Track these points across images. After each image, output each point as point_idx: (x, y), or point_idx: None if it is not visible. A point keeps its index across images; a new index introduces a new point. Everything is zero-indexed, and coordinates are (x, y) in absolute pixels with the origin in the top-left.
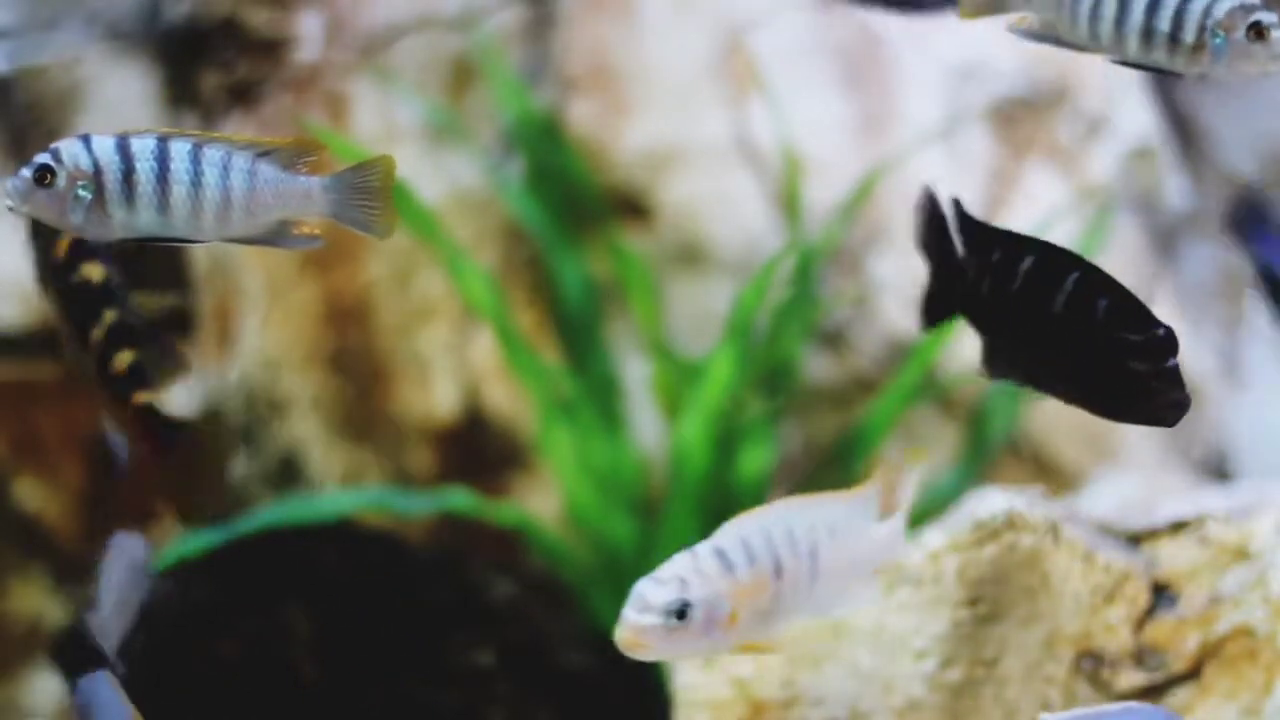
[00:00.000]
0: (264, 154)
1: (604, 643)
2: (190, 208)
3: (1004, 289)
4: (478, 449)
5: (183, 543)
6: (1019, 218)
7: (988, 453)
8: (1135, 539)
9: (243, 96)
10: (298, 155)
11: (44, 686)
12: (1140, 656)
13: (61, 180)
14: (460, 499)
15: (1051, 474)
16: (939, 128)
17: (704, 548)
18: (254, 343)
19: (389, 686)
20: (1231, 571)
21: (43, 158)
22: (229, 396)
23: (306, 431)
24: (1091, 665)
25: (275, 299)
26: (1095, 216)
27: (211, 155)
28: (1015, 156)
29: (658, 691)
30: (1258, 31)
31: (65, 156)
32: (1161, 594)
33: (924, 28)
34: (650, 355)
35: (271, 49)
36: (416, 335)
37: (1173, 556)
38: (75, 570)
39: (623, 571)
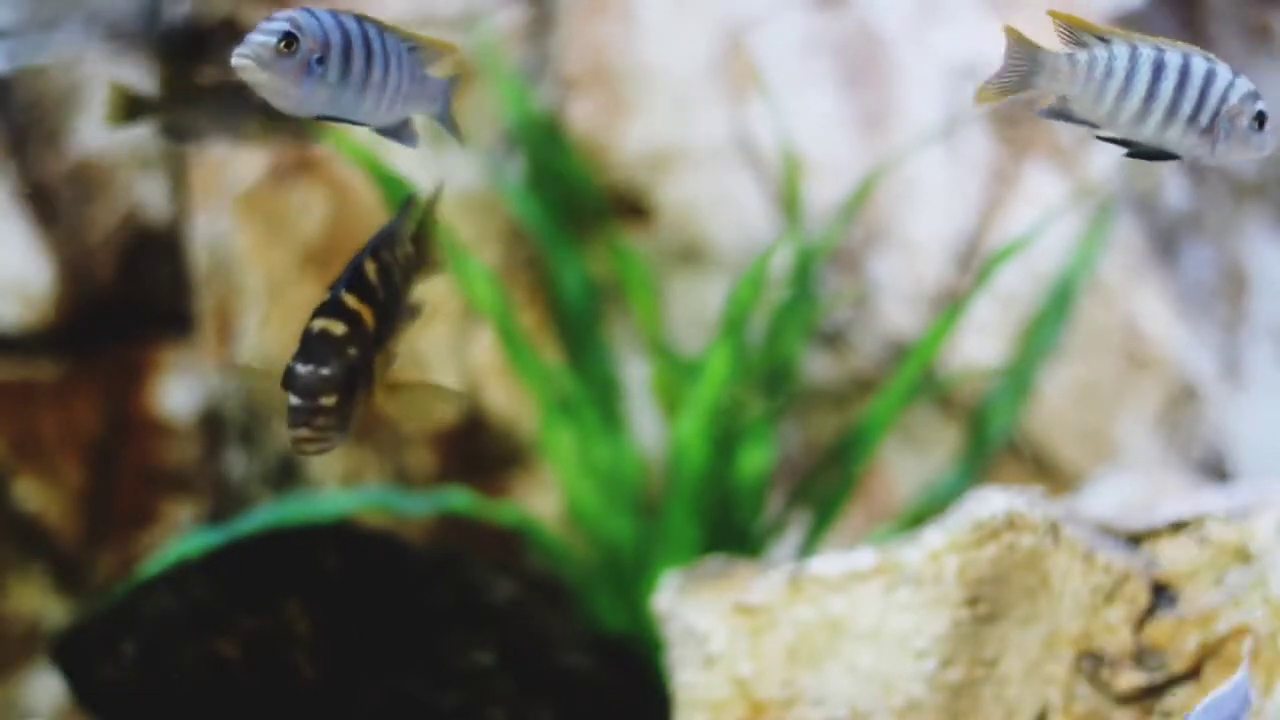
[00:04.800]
0: (412, 48)
1: (604, 643)
2: (378, 92)
3: None
4: (478, 449)
5: (183, 543)
6: (1019, 218)
7: (988, 453)
8: (1135, 539)
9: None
10: (433, 54)
11: (44, 686)
12: (1140, 656)
13: (303, 49)
14: (460, 499)
15: (1051, 474)
16: (939, 128)
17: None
18: (254, 342)
19: (389, 686)
20: (1231, 571)
21: (280, 25)
22: (229, 396)
23: None
24: (1091, 665)
25: (275, 299)
26: (1095, 216)
27: (390, 42)
28: (1015, 156)
29: (658, 691)
30: (1260, 122)
31: (304, 25)
32: (1161, 594)
33: (924, 27)
34: (650, 355)
35: None
36: (416, 335)
37: (1173, 556)
38: (75, 571)
39: (623, 571)
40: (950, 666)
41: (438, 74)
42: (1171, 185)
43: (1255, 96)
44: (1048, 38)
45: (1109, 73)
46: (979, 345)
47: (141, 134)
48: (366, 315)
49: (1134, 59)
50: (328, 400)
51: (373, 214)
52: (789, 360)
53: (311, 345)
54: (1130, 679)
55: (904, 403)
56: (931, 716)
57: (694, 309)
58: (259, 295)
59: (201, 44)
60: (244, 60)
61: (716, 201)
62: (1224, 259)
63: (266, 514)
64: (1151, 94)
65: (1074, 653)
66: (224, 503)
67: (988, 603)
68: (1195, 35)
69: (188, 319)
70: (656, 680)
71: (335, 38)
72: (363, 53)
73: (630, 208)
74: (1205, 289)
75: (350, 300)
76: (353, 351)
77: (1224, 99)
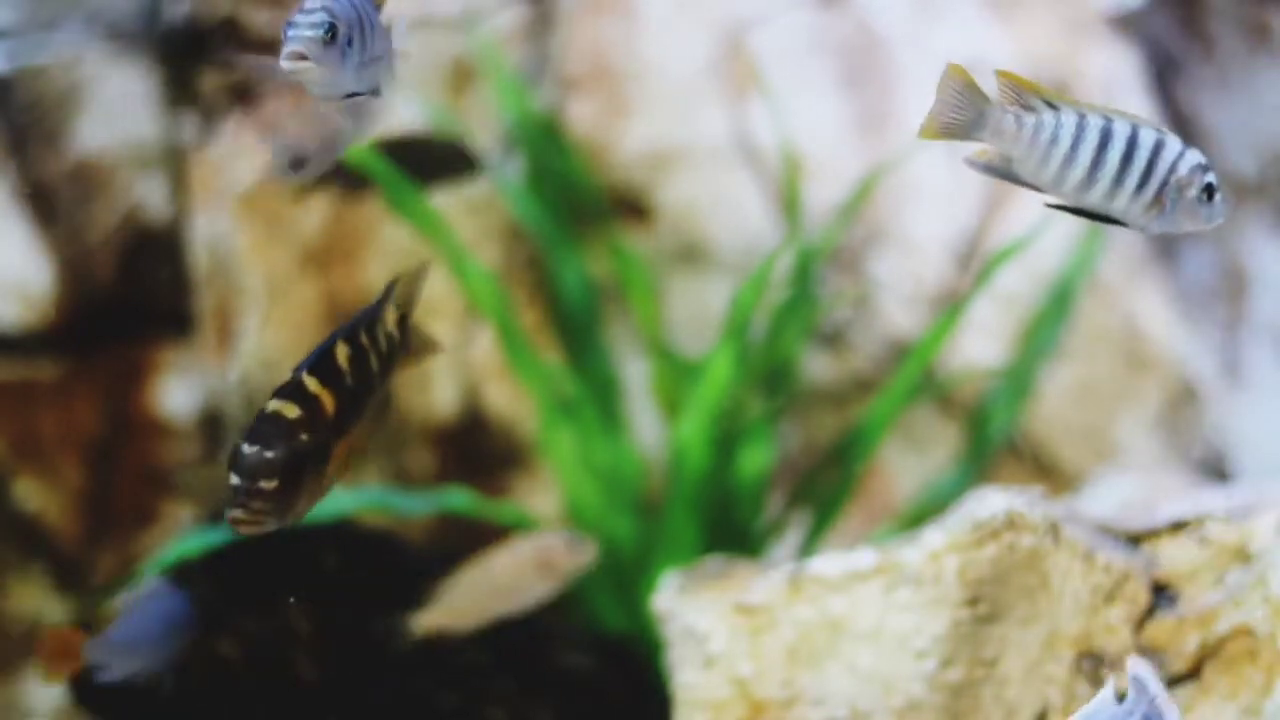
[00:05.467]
0: (377, 5)
1: (604, 643)
2: (375, 59)
3: None
4: (478, 449)
5: (183, 543)
6: (1019, 218)
7: (988, 453)
8: (1135, 539)
9: (243, 96)
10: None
11: (44, 686)
12: (1140, 656)
13: (341, 35)
14: (460, 499)
15: (1051, 474)
16: None
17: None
18: (254, 343)
19: (389, 686)
20: (1231, 571)
21: (320, 16)
22: (229, 396)
23: None
24: (1091, 665)
25: (275, 299)
26: None
27: (371, 6)
28: None
29: (658, 691)
30: (1209, 194)
31: (338, 11)
32: (1161, 594)
33: (924, 27)
34: (650, 355)
35: (271, 49)
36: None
37: (1173, 556)
38: (75, 571)
39: (623, 571)
40: (950, 666)
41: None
42: None
43: (1205, 169)
44: (1047, 38)
45: (1054, 139)
46: (979, 345)
47: (142, 134)
48: (327, 400)
49: (1081, 127)
50: (267, 484)
51: (372, 214)
52: (789, 360)
53: (260, 426)
54: None
55: (904, 403)
56: (931, 716)
57: (694, 309)
58: (259, 295)
59: (201, 44)
60: (299, 61)
61: (716, 201)
62: (1224, 259)
63: None
64: (1097, 163)
65: (1074, 653)
66: (224, 503)
67: (988, 603)
68: (1195, 35)
69: (188, 319)
70: (656, 680)
71: (353, 16)
72: (368, 25)
73: (630, 208)
74: (1205, 289)
75: (311, 383)
76: (304, 437)
77: (1172, 170)
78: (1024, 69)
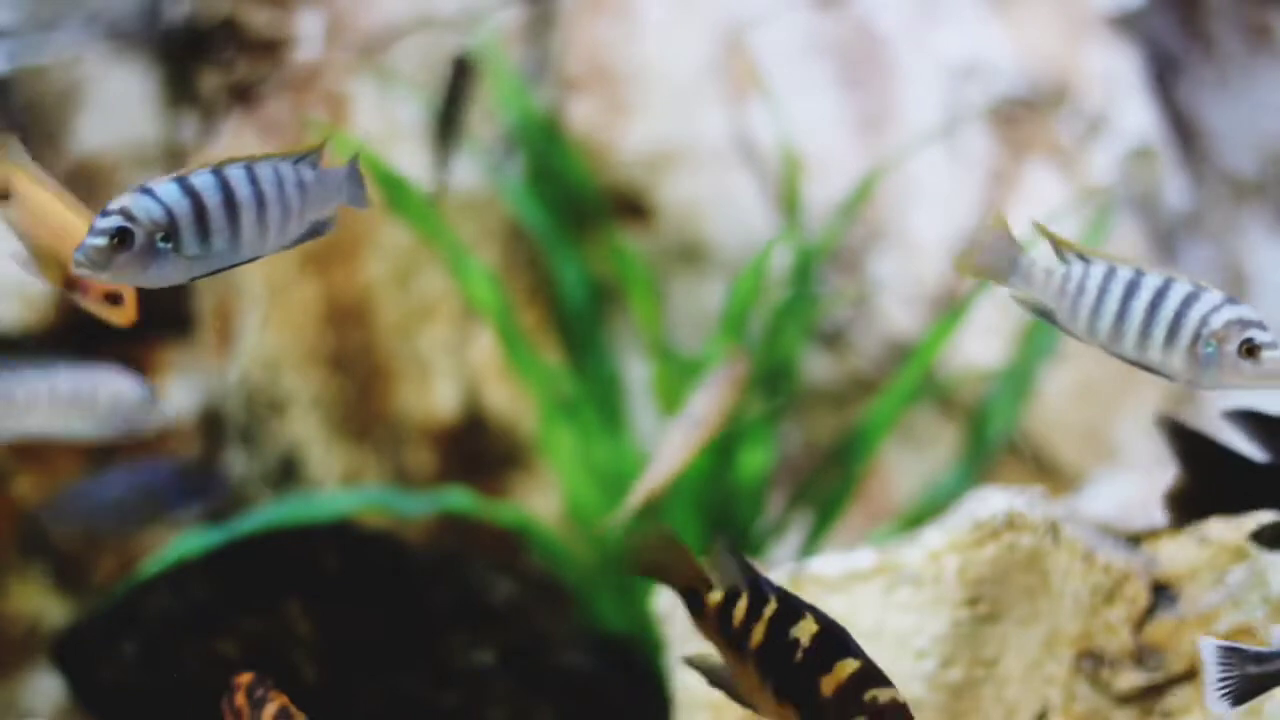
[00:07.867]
0: (298, 160)
1: (604, 643)
2: (257, 229)
3: None
4: (478, 449)
5: (183, 543)
6: (1019, 218)
7: (988, 453)
8: (1135, 539)
9: (243, 96)
10: (316, 154)
11: (43, 686)
12: (1140, 656)
13: (140, 238)
14: (460, 499)
15: (1051, 474)
16: (939, 128)
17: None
18: (254, 343)
19: (389, 686)
20: (1231, 571)
21: (112, 221)
22: (229, 396)
23: (306, 431)
24: (1091, 665)
25: (275, 299)
26: (1095, 217)
27: (265, 173)
28: (1015, 156)
29: (658, 691)
30: (1249, 349)
31: (139, 212)
32: (1161, 594)
33: (924, 27)
34: (650, 355)
35: (271, 49)
36: (416, 335)
37: (1173, 556)
38: (75, 571)
39: (623, 571)
40: (950, 666)
41: (334, 165)
42: (1171, 185)
43: (1246, 324)
44: (1047, 38)
45: (1081, 289)
46: (979, 345)
47: (142, 134)
48: None
49: (1108, 277)
50: None
51: (372, 214)
52: (789, 360)
53: None
54: (1130, 679)
55: (905, 403)
56: (931, 716)
57: (694, 309)
58: (259, 295)
59: (201, 44)
60: (80, 269)
61: (716, 201)
62: (1224, 259)
63: (266, 514)
64: (1123, 313)
65: (1074, 653)
66: (224, 503)
67: (988, 603)
68: (1195, 35)
69: (188, 319)
70: (656, 680)
71: (183, 209)
72: (222, 204)
73: (630, 208)
74: None
75: None
76: None
77: (1204, 322)
78: (1024, 69)
